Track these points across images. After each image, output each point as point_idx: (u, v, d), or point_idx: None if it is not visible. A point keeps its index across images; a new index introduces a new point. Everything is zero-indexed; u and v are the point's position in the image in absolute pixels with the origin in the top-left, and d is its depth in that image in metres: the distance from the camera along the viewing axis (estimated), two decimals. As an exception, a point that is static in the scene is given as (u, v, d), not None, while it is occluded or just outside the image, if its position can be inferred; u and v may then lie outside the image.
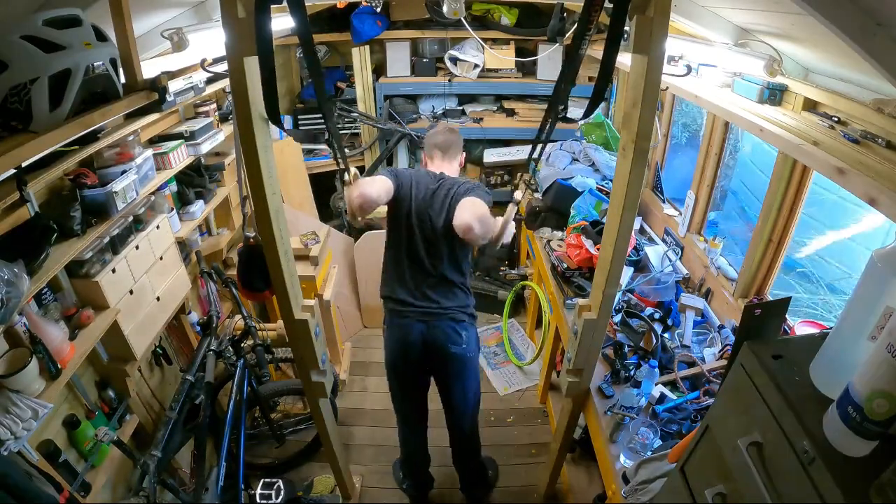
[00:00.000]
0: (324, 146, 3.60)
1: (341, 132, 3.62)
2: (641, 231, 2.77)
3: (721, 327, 1.96)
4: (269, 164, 1.32)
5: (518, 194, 1.61)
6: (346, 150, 3.62)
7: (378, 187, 1.67)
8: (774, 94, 1.65)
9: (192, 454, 1.91)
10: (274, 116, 1.23)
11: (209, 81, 2.05)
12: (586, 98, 1.30)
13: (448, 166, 1.91)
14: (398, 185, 1.76)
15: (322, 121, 1.40)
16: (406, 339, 1.85)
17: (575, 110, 3.64)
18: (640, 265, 2.42)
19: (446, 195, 1.77)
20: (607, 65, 1.19)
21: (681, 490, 1.07)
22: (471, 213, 1.55)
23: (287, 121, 3.44)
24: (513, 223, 1.66)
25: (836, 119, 1.41)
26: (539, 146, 1.44)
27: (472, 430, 2.15)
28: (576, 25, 2.50)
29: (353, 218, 1.77)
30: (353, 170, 1.61)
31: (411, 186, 1.78)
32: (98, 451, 1.65)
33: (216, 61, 1.86)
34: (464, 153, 1.98)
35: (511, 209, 1.61)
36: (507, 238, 1.67)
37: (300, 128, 3.54)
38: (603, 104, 3.45)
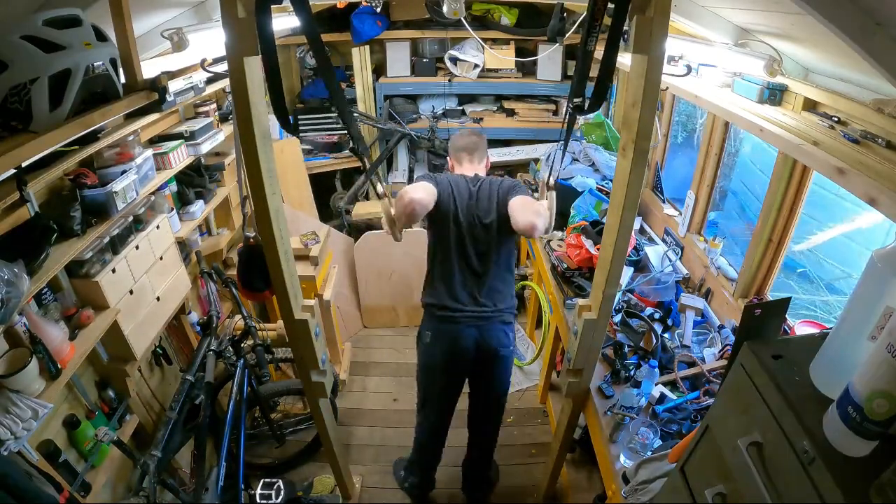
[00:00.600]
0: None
1: (342, 132, 3.62)
2: (641, 231, 2.77)
3: (721, 327, 1.96)
4: (269, 164, 1.32)
5: (552, 181, 1.77)
6: (347, 150, 3.63)
7: (427, 192, 1.69)
8: (774, 94, 1.65)
9: (192, 454, 1.91)
10: (283, 118, 1.24)
11: (209, 81, 2.05)
12: (586, 98, 1.34)
13: (476, 168, 1.92)
14: (440, 190, 1.76)
15: (327, 123, 1.42)
16: (458, 343, 1.84)
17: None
18: (640, 265, 2.42)
19: (490, 194, 1.78)
20: (608, 63, 1.23)
21: (681, 490, 1.07)
22: (532, 212, 1.63)
23: (287, 121, 3.44)
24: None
25: (836, 119, 1.41)
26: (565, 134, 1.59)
27: (495, 435, 2.17)
28: (576, 24, 2.49)
29: (396, 228, 1.67)
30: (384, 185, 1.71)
31: (452, 191, 1.77)
32: (98, 451, 1.65)
33: (216, 61, 1.86)
34: (489, 155, 1.99)
35: (552, 196, 1.74)
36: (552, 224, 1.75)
37: (300, 128, 3.53)
38: (603, 104, 3.45)
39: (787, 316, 1.47)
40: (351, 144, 1.42)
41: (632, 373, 1.79)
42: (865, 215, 2.04)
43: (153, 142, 2.12)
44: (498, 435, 2.18)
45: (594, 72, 1.28)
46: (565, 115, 1.51)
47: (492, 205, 1.77)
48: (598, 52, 1.26)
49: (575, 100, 1.39)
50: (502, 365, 1.93)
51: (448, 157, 2.02)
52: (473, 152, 1.93)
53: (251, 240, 1.87)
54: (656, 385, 1.73)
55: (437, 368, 1.93)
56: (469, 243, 1.79)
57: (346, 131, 3.54)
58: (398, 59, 3.46)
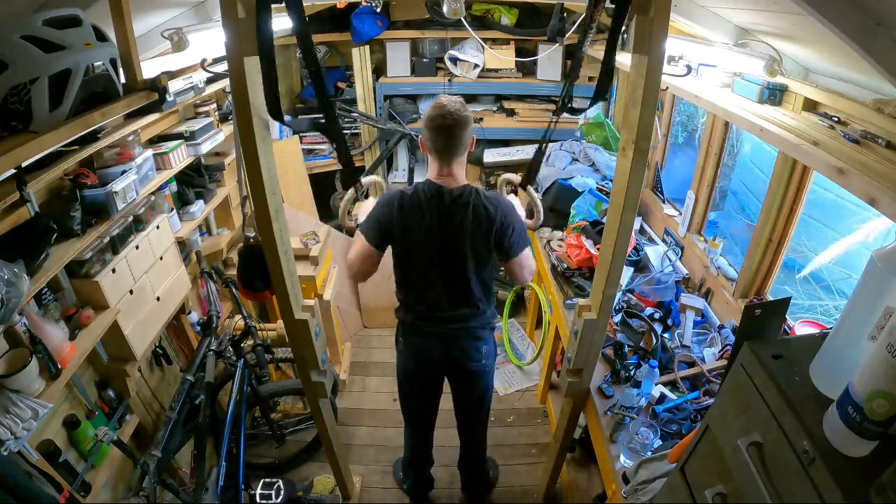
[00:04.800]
0: (324, 147, 3.61)
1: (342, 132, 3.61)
2: (641, 231, 2.77)
3: (721, 327, 1.96)
4: (269, 164, 1.32)
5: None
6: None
7: (364, 262, 1.66)
8: (774, 94, 1.64)
9: (192, 454, 1.92)
10: (275, 111, 1.22)
11: (209, 81, 2.05)
12: (586, 97, 1.35)
13: (454, 166, 1.60)
14: (387, 235, 1.63)
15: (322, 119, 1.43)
16: (424, 357, 1.81)
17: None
18: (640, 265, 2.42)
19: (472, 222, 1.57)
20: (607, 63, 1.26)
21: (681, 490, 1.07)
22: (529, 272, 1.71)
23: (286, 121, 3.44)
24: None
25: (836, 119, 1.41)
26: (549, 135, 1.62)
27: (482, 436, 2.16)
28: (576, 24, 2.49)
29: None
30: (371, 178, 1.77)
31: (405, 228, 1.60)
32: (98, 451, 1.65)
33: (216, 61, 1.86)
34: (473, 136, 1.62)
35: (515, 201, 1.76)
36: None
37: (301, 128, 3.53)
38: (603, 104, 3.45)
39: (786, 316, 1.48)
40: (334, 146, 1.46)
41: (632, 373, 1.79)
42: (866, 228, 2.03)
43: (153, 142, 2.12)
44: (485, 437, 2.17)
45: (592, 71, 1.31)
46: (557, 113, 1.55)
47: (476, 236, 1.58)
48: (599, 53, 1.28)
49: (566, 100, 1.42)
50: (475, 378, 1.87)
51: (419, 138, 1.67)
52: (453, 153, 1.57)
53: (251, 240, 1.87)
54: (656, 385, 1.73)
55: (407, 375, 1.91)
56: (436, 274, 1.66)
57: (350, 131, 3.59)
58: (398, 59, 3.46)
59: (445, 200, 1.59)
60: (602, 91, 1.32)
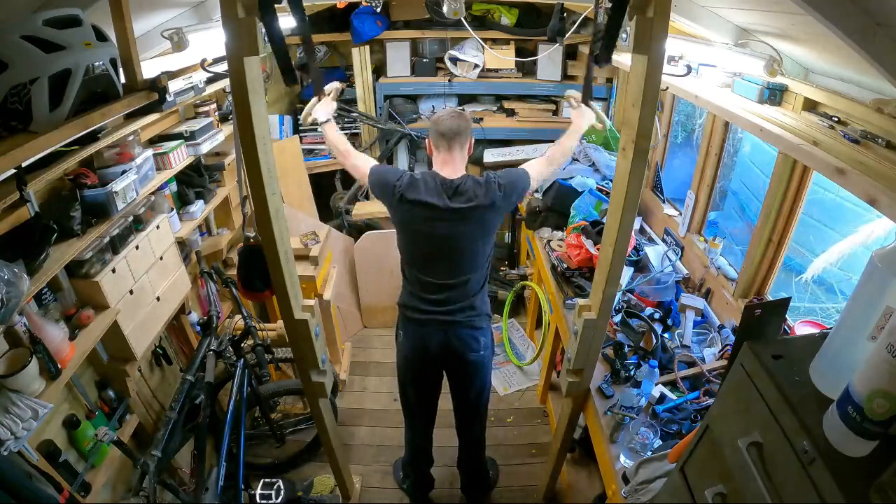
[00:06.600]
0: (324, 147, 3.61)
1: (343, 131, 3.61)
2: (641, 231, 2.77)
3: (721, 327, 1.96)
4: (269, 164, 1.32)
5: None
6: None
7: (356, 167, 1.82)
8: (774, 94, 1.65)
9: (192, 454, 1.92)
10: (289, 76, 1.28)
11: (209, 81, 2.05)
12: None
13: (456, 159, 1.74)
14: (394, 198, 1.69)
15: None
16: (424, 347, 1.82)
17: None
18: (640, 265, 2.42)
19: (471, 208, 1.66)
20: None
21: (681, 490, 1.07)
22: (553, 161, 1.85)
23: (287, 121, 3.45)
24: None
25: (836, 119, 1.41)
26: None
27: (481, 435, 2.16)
28: (576, 24, 2.50)
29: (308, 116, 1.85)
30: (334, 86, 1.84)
31: (413, 205, 1.68)
32: (98, 451, 1.65)
33: (216, 61, 1.86)
34: (472, 137, 1.79)
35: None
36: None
37: (300, 129, 3.53)
38: (602, 104, 3.46)
39: (786, 316, 1.48)
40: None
41: (632, 373, 1.79)
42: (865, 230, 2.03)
43: (153, 142, 2.12)
44: (484, 436, 2.18)
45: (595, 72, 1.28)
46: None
47: (472, 219, 1.67)
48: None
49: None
50: (473, 369, 1.89)
51: (426, 138, 1.82)
52: (453, 140, 1.71)
53: (251, 240, 1.87)
54: (656, 385, 1.73)
55: (407, 368, 1.93)
56: (437, 257, 1.73)
57: (346, 131, 3.59)
58: (398, 59, 3.46)
59: (447, 189, 1.68)
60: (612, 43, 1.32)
